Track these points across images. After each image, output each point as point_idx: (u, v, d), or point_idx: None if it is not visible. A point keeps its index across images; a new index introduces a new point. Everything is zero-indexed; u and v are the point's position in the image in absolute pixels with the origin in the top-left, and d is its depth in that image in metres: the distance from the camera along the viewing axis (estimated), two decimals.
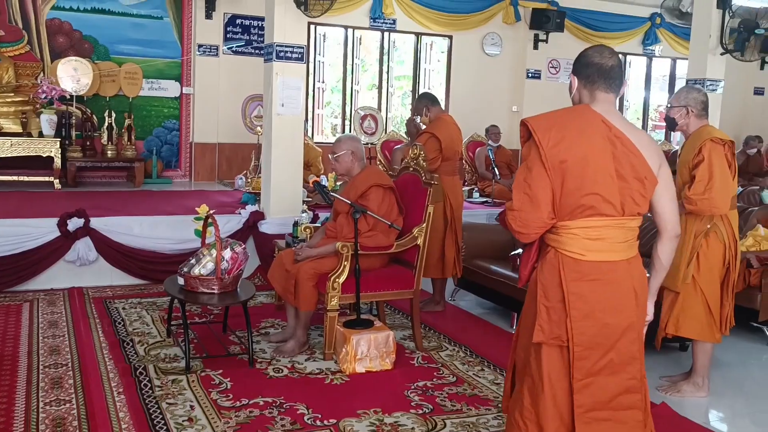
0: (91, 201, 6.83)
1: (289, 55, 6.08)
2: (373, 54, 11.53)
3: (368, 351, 4.20)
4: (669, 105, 4.08)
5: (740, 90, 12.60)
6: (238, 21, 9.35)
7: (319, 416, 3.56)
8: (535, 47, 11.18)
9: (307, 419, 3.53)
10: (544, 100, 11.15)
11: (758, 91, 13.06)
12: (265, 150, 6.37)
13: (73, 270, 5.85)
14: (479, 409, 3.75)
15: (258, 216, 6.30)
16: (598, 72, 2.45)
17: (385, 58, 10.64)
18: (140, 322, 4.96)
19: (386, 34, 10.52)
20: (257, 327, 4.94)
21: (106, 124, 8.47)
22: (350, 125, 10.49)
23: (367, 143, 8.32)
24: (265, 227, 6.26)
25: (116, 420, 3.43)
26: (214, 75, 9.22)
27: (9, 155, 7.48)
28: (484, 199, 8.17)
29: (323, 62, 10.40)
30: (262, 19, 9.29)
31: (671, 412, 3.78)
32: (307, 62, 6.30)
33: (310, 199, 6.92)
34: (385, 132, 9.31)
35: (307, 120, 8.15)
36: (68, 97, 8.11)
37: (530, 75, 11.24)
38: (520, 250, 5.41)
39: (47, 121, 7.68)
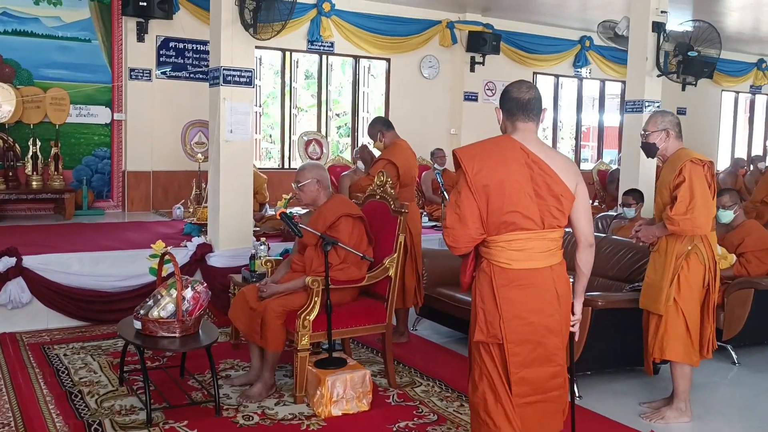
0: (20, 237, 6.32)
1: (237, 79, 5.81)
2: (310, 77, 11.34)
3: (344, 392, 3.95)
4: (645, 132, 4.02)
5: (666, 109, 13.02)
6: (172, 44, 8.97)
7: None
8: (472, 70, 11.22)
9: None
10: (481, 123, 11.23)
11: (681, 111, 13.52)
12: (212, 178, 6.04)
13: (3, 314, 5.36)
14: None
15: (206, 248, 5.96)
16: (516, 105, 2.81)
17: (323, 81, 10.43)
18: (87, 370, 4.55)
19: (324, 57, 10.33)
20: (216, 369, 4.60)
21: (30, 153, 7.93)
22: (289, 150, 10.22)
23: None
24: (215, 260, 5.93)
25: None
26: (148, 100, 8.79)
27: None
28: (434, 223, 8.04)
29: (260, 86, 10.12)
30: (197, 42, 9.04)
31: None
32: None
33: (257, 229, 6.62)
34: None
35: None
36: None
37: (467, 97, 11.26)
38: None
39: None
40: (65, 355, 4.85)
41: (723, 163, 14.15)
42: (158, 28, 8.79)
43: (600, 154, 13.38)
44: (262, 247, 4.97)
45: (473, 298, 2.91)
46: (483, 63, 11.17)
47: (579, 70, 12.52)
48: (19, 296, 5.33)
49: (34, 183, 7.86)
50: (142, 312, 3.89)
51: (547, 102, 12.50)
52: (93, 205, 8.48)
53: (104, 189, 8.77)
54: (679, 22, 8.69)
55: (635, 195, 6.46)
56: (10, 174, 7.84)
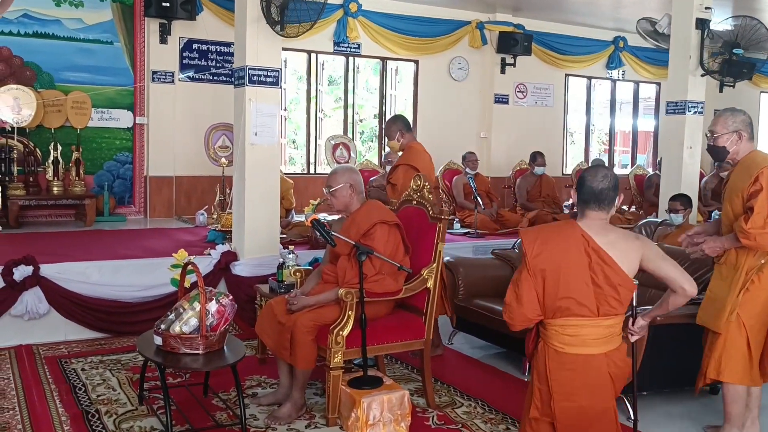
0: (39, 245, 6.10)
1: (263, 79, 5.53)
2: (333, 83, 11.08)
3: (381, 415, 3.63)
4: (713, 134, 3.65)
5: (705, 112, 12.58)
6: (195, 45, 8.75)
7: None
8: (502, 71, 10.88)
9: None
10: (511, 125, 10.91)
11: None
12: (237, 183, 5.76)
13: (20, 325, 5.11)
14: None
15: (230, 257, 5.67)
16: (589, 193, 2.82)
17: (350, 83, 10.15)
18: (105, 387, 4.28)
19: (350, 58, 10.06)
20: (242, 387, 4.30)
21: (51, 158, 7.74)
22: (315, 155, 9.95)
23: None
24: (240, 269, 5.65)
25: None
26: (170, 103, 8.57)
27: None
28: (466, 230, 7.70)
29: (284, 89, 9.86)
30: (220, 43, 8.81)
31: None
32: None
33: (284, 236, 6.33)
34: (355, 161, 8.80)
35: None
36: (8, 129, 7.34)
37: (498, 100, 10.92)
38: None
39: None
40: (83, 369, 4.58)
41: None
42: (181, 30, 8.57)
43: (634, 159, 12.95)
44: (291, 255, 4.67)
45: (531, 373, 2.96)
46: (514, 64, 10.82)
47: (612, 71, 12.11)
48: (36, 307, 5.08)
49: (55, 188, 7.66)
50: (162, 327, 3.61)
51: (579, 105, 12.14)
52: (114, 212, 8.27)
53: (126, 194, 8.55)
54: (719, 19, 8.29)
55: (683, 200, 6.08)
56: (31, 179, 7.65)
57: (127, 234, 7.14)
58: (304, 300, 3.89)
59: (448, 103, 10.60)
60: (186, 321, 3.57)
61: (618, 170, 12.95)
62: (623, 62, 12.09)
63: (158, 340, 3.60)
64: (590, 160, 9.79)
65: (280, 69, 5.66)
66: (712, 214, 8.37)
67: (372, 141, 11.21)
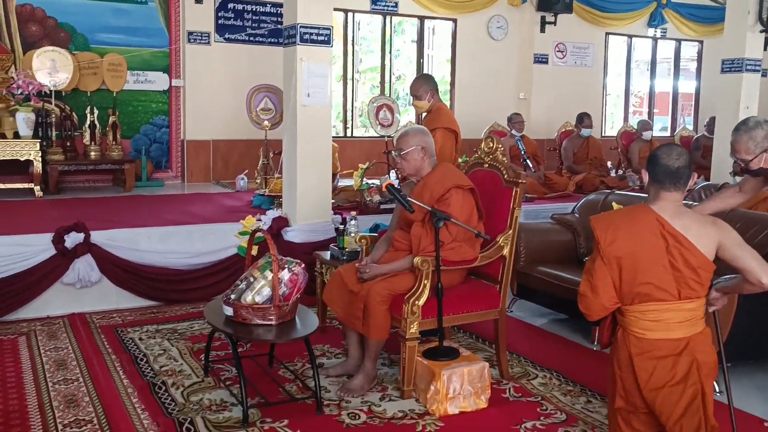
0: (83, 210, 5.97)
1: (314, 37, 5.29)
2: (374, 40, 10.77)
3: (461, 388, 3.48)
4: (744, 161, 3.28)
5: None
6: (231, 5, 8.49)
7: None
8: (542, 30, 10.55)
9: None
10: (551, 86, 10.61)
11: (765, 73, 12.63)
12: (287, 146, 5.57)
13: (72, 293, 5.00)
14: None
15: (282, 222, 5.50)
16: (665, 173, 2.69)
17: (387, 43, 9.86)
18: (166, 357, 4.16)
19: (388, 18, 9.75)
20: (305, 356, 4.17)
21: (88, 122, 7.57)
22: (351, 118, 9.72)
23: (383, 136, 7.56)
24: (292, 235, 5.48)
25: None
26: (206, 65, 8.35)
27: None
28: None
29: None
30: (256, 2, 8.54)
31: None
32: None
33: (333, 201, 6.14)
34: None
35: None
36: (47, 92, 7.17)
37: (537, 59, 10.60)
38: None
39: (24, 120, 6.75)
40: (140, 339, 4.46)
41: None
42: None
43: (675, 121, 12.59)
44: (353, 222, 4.49)
45: (610, 363, 2.86)
46: (554, 23, 10.48)
47: (653, 29, 11.70)
48: (88, 274, 4.96)
49: (92, 153, 7.51)
50: (233, 297, 3.46)
51: (619, 66, 11.77)
52: (152, 177, 8.12)
53: (163, 159, 8.40)
54: None
55: None
56: (68, 144, 7.51)
57: (168, 199, 7.00)
58: (377, 268, 3.72)
59: (486, 64, 10.29)
60: (258, 290, 3.42)
61: (657, 133, 12.62)
62: (665, 19, 11.68)
63: (228, 311, 3.45)
64: (636, 122, 9.48)
65: (332, 27, 5.41)
66: None
67: (410, 104, 10.92)
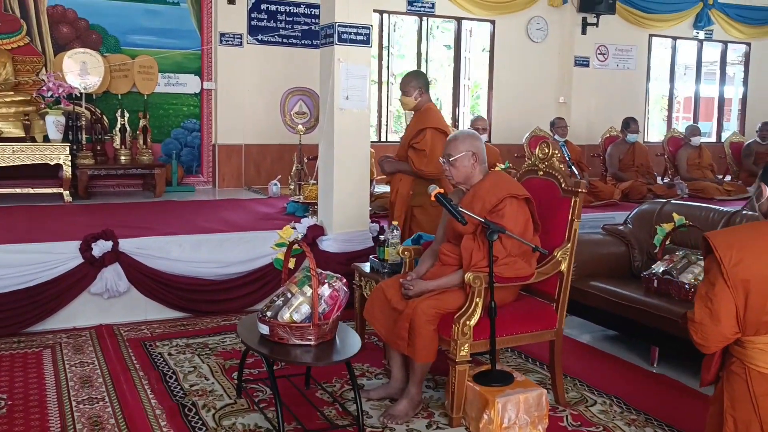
0: (112, 217, 5.78)
1: (353, 37, 5.04)
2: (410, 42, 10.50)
3: (516, 417, 3.18)
4: None
5: None
6: (264, 6, 8.28)
7: None
8: (584, 32, 10.18)
9: None
10: (592, 90, 10.25)
11: None
12: (324, 152, 5.31)
13: (99, 304, 4.80)
14: None
15: (317, 231, 5.24)
16: None
17: (423, 45, 9.58)
18: (196, 375, 3.91)
19: (424, 19, 9.48)
20: (344, 375, 3.90)
21: (119, 125, 7.40)
22: (386, 122, 9.46)
23: None
24: (327, 245, 5.22)
25: None
26: (239, 67, 8.14)
27: (11, 164, 6.39)
28: None
29: None
30: (289, 3, 8.33)
31: None
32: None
33: (369, 209, 5.87)
34: None
35: None
36: (77, 94, 7.01)
37: (578, 62, 10.23)
38: (655, 269, 4.44)
39: (54, 123, 6.60)
40: (170, 354, 4.23)
41: None
42: None
43: (720, 126, 12.12)
44: (396, 232, 4.21)
45: (717, 399, 2.46)
46: (597, 24, 10.11)
47: (699, 31, 11.26)
48: (116, 284, 4.75)
49: (122, 157, 7.34)
50: (269, 314, 3.20)
51: (663, 70, 11.36)
52: (183, 182, 7.93)
53: (194, 164, 8.21)
54: None
55: None
56: (98, 148, 7.34)
57: (200, 206, 6.78)
58: (423, 284, 3.43)
59: (525, 66, 9.96)
60: (297, 308, 3.16)
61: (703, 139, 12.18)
62: (712, 20, 11.23)
63: (264, 329, 3.20)
64: (685, 128, 9.09)
65: (371, 26, 5.15)
66: None
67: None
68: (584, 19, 10.13)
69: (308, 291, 3.18)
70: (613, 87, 10.46)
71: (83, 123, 7.11)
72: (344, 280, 3.29)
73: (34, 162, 6.49)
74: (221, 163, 8.21)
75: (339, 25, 4.99)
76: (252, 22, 8.21)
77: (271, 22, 8.30)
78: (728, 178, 9.11)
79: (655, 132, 12.30)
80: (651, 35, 10.95)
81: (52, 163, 6.56)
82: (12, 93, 6.91)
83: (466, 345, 3.28)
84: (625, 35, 10.59)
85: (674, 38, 11.31)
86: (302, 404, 3.52)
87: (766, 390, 2.30)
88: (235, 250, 5.13)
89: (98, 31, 7.60)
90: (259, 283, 5.14)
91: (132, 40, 7.73)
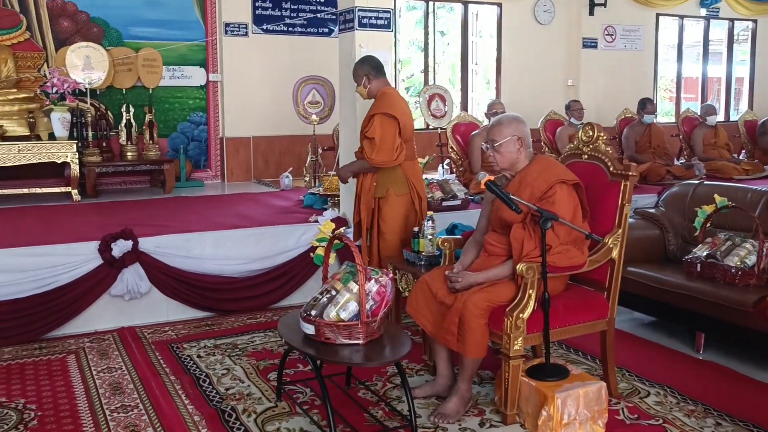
0: (125, 215, 5.61)
1: (374, 21, 4.87)
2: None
3: (576, 412, 3.03)
4: None
5: None
6: None
7: None
8: (591, 13, 10.02)
9: None
10: (600, 72, 10.12)
11: None
12: (345, 141, 5.14)
13: (120, 306, 4.63)
14: None
15: (341, 223, 5.08)
16: None
17: (431, 29, 9.39)
18: (231, 378, 3.75)
19: (430, 3, 9.29)
20: (384, 373, 3.75)
21: (124, 120, 7.20)
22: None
23: (435, 128, 7.11)
24: (352, 236, 5.04)
25: None
26: (244, 58, 7.95)
27: (17, 163, 6.19)
28: None
29: None
30: None
31: None
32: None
33: None
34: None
35: None
36: (83, 90, 6.81)
37: (586, 44, 10.08)
38: (697, 253, 4.30)
39: (59, 120, 6.40)
40: (199, 356, 4.07)
41: None
42: None
43: (728, 106, 11.98)
44: (430, 223, 4.05)
45: None
46: (604, 4, 9.94)
47: (709, 8, 11.09)
48: (137, 285, 4.58)
49: (129, 154, 7.15)
50: (314, 313, 3.04)
51: (670, 51, 11.21)
52: (191, 177, 7.74)
53: (201, 158, 8.03)
54: None
55: None
56: (104, 144, 7.15)
57: (212, 201, 6.61)
58: (471, 276, 3.28)
59: (532, 50, 9.80)
60: (344, 305, 2.99)
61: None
62: None
63: (309, 329, 3.04)
64: (700, 107, 8.94)
65: (392, 10, 4.97)
66: None
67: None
68: (591, 0, 9.95)
69: (354, 287, 3.03)
70: (621, 68, 10.31)
71: (88, 119, 6.90)
72: (390, 275, 3.13)
73: (40, 161, 6.30)
74: (229, 156, 8.03)
75: (359, 10, 4.81)
76: (257, 11, 8.02)
77: (276, 10, 8.10)
78: (742, 156, 8.98)
79: (660, 113, 12.15)
80: (658, 14, 10.79)
81: (59, 162, 6.37)
82: (15, 90, 6.71)
83: (520, 339, 3.13)
84: (633, 15, 10.44)
85: (681, 17, 11.15)
86: (347, 405, 3.36)
87: None
88: (258, 245, 4.97)
89: (99, 24, 7.40)
90: (284, 279, 4.99)
91: (134, 32, 7.52)
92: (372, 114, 4.33)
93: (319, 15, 8.13)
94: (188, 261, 4.77)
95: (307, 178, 6.75)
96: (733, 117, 11.52)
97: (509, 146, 3.35)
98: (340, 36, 5.07)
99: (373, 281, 3.05)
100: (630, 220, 5.14)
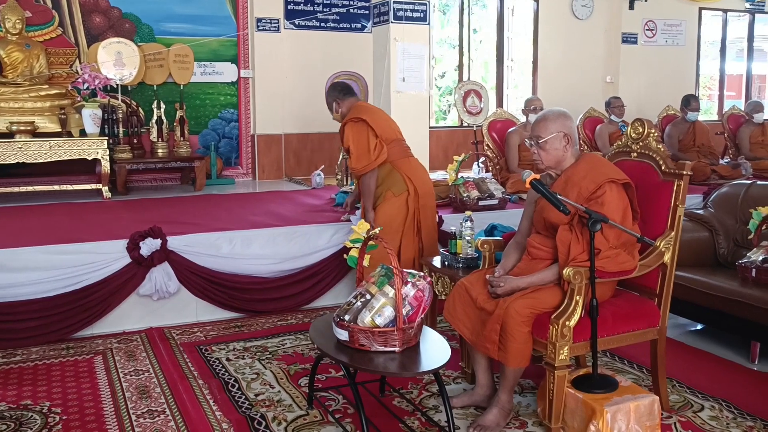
0: (155, 213, 5.52)
1: (409, 14, 4.73)
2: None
3: (627, 428, 2.84)
4: None
5: None
6: None
7: None
8: (631, 7, 9.74)
9: None
10: (641, 68, 9.83)
11: None
12: None
13: (149, 305, 4.53)
14: None
15: None
16: None
17: (465, 22, 9.19)
18: (261, 383, 3.61)
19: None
20: (420, 381, 3.58)
21: (155, 117, 7.14)
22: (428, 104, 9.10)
23: (470, 125, 6.92)
24: None
25: None
26: (276, 54, 7.82)
27: (48, 160, 6.14)
28: None
29: None
30: None
31: None
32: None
33: None
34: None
35: None
36: (114, 86, 6.75)
37: (625, 39, 9.79)
38: (752, 257, 4.06)
39: (90, 116, 6.34)
40: (228, 359, 3.94)
41: None
42: None
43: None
44: (468, 223, 3.87)
45: None
46: None
47: (750, 2, 10.73)
48: (165, 285, 4.48)
49: (159, 151, 7.09)
50: (347, 318, 2.88)
51: (712, 47, 10.86)
52: (222, 174, 7.65)
53: (232, 155, 7.93)
54: None
55: None
56: (135, 141, 7.09)
57: (243, 199, 6.50)
58: (514, 281, 3.09)
59: (570, 45, 9.56)
60: (379, 310, 2.84)
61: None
62: None
63: (343, 335, 2.88)
64: (746, 104, 8.61)
65: (428, 2, 4.80)
66: None
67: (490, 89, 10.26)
68: None
69: (390, 291, 2.87)
70: (663, 66, 10.00)
71: (119, 116, 6.84)
72: (428, 279, 2.96)
73: (71, 157, 6.24)
74: (260, 153, 7.92)
75: (395, 2, 4.65)
76: (288, 6, 7.89)
77: (309, 5, 7.96)
78: None
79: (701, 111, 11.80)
80: (701, 8, 10.45)
81: (89, 158, 6.31)
82: (46, 86, 6.67)
83: (566, 348, 2.93)
84: (674, 9, 10.13)
85: (725, 11, 10.80)
86: (381, 414, 3.21)
87: None
88: (289, 244, 4.84)
89: (131, 20, 7.34)
90: (315, 279, 4.86)
91: (166, 28, 7.45)
92: (342, 126, 4.43)
93: (350, 10, 7.97)
94: (218, 260, 4.66)
95: (338, 176, 6.60)
96: None
97: (555, 143, 3.16)
98: (374, 30, 4.93)
99: (410, 285, 2.89)
100: None
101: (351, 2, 8.02)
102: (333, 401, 3.37)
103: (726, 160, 8.12)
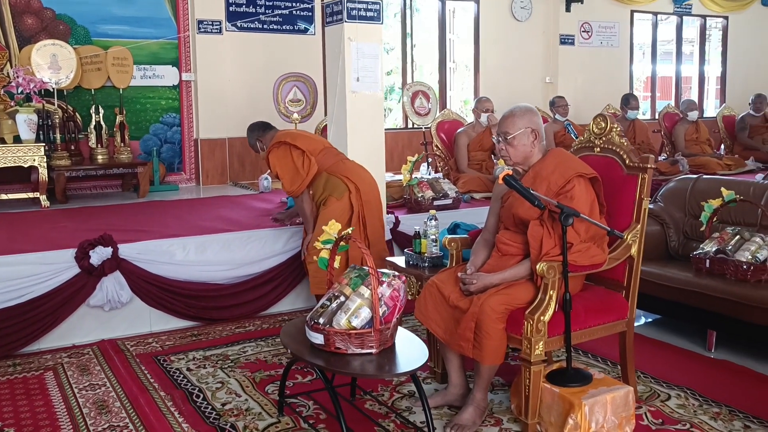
0: (100, 221, 5.31)
1: (363, 13, 4.66)
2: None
3: (604, 419, 2.86)
4: None
5: None
6: None
7: None
8: (568, 9, 9.94)
9: None
10: (578, 69, 10.05)
11: None
12: (335, 139, 4.91)
13: (100, 317, 4.34)
14: None
15: None
16: None
17: (408, 25, 9.22)
18: (226, 392, 3.50)
19: (407, 1, 9.11)
20: (390, 383, 3.53)
21: (93, 122, 6.88)
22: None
23: (419, 126, 6.92)
24: None
25: None
26: (218, 57, 7.65)
27: None
28: None
29: None
30: None
31: None
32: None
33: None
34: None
35: None
36: (49, 90, 6.46)
37: (563, 41, 9.99)
38: (706, 249, 4.17)
39: (25, 122, 6.04)
40: (189, 369, 3.80)
41: None
42: None
43: (702, 103, 12.01)
44: (433, 222, 3.85)
45: None
46: (581, 0, 9.86)
47: (679, 6, 11.11)
48: (117, 294, 4.29)
49: (99, 157, 6.82)
50: (322, 321, 2.81)
51: (646, 50, 11.21)
52: (165, 180, 7.43)
53: (175, 160, 7.71)
54: None
55: None
56: (73, 148, 6.81)
57: (190, 204, 6.32)
58: (487, 278, 3.08)
59: (510, 47, 9.69)
60: (355, 312, 2.77)
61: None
62: None
63: (317, 338, 2.81)
64: (681, 102, 8.90)
65: (381, 1, 4.77)
66: None
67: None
68: None
69: (365, 292, 2.81)
70: (598, 67, 10.26)
71: (56, 121, 6.55)
72: (403, 278, 2.92)
73: (5, 165, 5.94)
74: (204, 158, 7.73)
75: (348, 1, 4.59)
76: (230, 8, 7.72)
77: (251, 7, 7.82)
78: (722, 151, 8.97)
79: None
80: (633, 11, 10.77)
81: (25, 166, 6.02)
82: None
83: (541, 343, 2.94)
84: (608, 11, 10.40)
85: (654, 13, 11.15)
86: (356, 418, 3.14)
87: None
88: (244, 250, 4.73)
89: (66, 21, 7.04)
90: (272, 284, 4.76)
91: (103, 30, 7.19)
92: (266, 157, 4.53)
93: (293, 12, 7.88)
94: (172, 268, 4.50)
95: None
96: (707, 114, 11.56)
97: (523, 139, 3.17)
98: (327, 29, 4.85)
99: (385, 285, 2.84)
100: None
101: (294, 4, 7.94)
102: (304, 407, 3.28)
103: (663, 157, 8.38)
